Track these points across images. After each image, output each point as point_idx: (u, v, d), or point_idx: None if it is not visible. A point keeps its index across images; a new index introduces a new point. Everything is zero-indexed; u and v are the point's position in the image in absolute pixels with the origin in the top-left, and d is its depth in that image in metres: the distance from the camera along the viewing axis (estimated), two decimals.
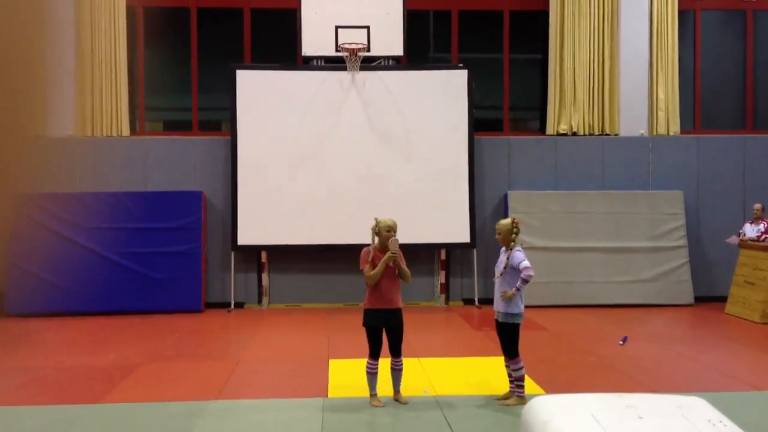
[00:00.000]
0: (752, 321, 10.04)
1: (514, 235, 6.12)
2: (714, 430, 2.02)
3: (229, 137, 11.49)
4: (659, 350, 8.24)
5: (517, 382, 6.08)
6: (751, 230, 10.83)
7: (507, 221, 6.21)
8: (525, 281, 5.95)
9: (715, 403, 5.91)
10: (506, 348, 6.10)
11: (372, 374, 6.09)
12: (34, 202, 11.01)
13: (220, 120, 12.55)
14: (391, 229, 6.13)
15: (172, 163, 11.57)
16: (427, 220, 11.39)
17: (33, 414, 5.82)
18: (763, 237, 10.61)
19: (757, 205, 10.92)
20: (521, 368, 6.05)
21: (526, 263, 5.98)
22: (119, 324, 10.11)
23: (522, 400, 5.99)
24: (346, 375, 7.13)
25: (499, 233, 6.19)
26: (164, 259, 10.99)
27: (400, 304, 6.19)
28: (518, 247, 6.13)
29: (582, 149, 12.03)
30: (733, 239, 10.92)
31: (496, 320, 6.18)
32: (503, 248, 6.21)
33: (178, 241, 11.09)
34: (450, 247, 11.67)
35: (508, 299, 6.00)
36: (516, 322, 6.07)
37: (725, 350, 8.44)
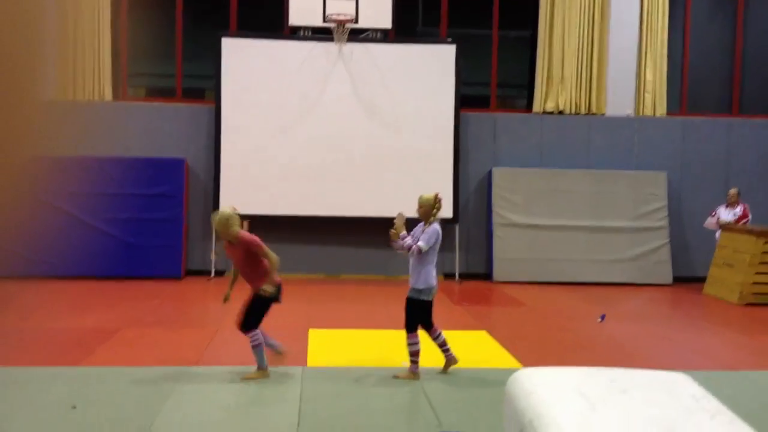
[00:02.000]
0: (730, 302, 10.16)
1: (435, 210, 6.07)
2: (698, 405, 2.04)
3: (213, 105, 11.37)
4: (637, 329, 8.32)
5: (411, 357, 6.04)
6: (726, 214, 10.95)
7: (430, 196, 6.14)
8: (407, 248, 5.91)
9: (697, 382, 5.99)
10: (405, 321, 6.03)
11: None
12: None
13: (204, 88, 12.42)
14: (420, 205, 6.09)
15: (154, 129, 11.45)
16: (411, 195, 11.32)
17: (10, 374, 5.78)
18: (743, 221, 10.72)
19: (732, 191, 11.05)
20: (414, 344, 5.99)
21: (425, 239, 5.92)
22: (99, 289, 10.06)
23: (413, 375, 5.97)
24: (326, 344, 7.14)
25: (421, 207, 6.11)
26: (145, 225, 10.92)
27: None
28: (436, 222, 6.09)
29: (568, 128, 12.04)
30: (710, 223, 11.04)
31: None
32: (422, 222, 6.15)
33: (160, 208, 11.01)
34: None
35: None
36: (419, 298, 6.02)
37: (702, 330, 8.54)
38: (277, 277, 5.98)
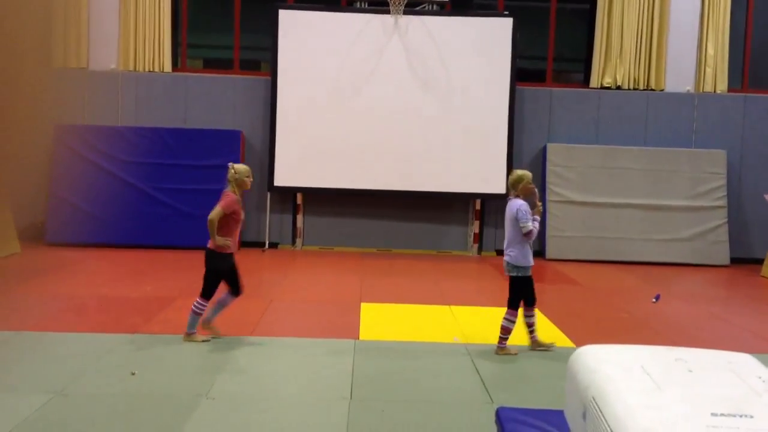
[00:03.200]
0: None
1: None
2: (764, 386, 2.01)
3: (269, 77, 11.46)
4: (693, 310, 8.20)
5: (505, 334, 6.06)
6: None
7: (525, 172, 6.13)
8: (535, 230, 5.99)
9: None
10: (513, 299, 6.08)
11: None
12: (74, 133, 11.15)
13: (260, 60, 12.49)
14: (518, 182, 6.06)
15: (211, 101, 11.60)
16: (464, 170, 11.34)
17: (71, 340, 5.98)
18: None
19: None
20: (513, 322, 6.03)
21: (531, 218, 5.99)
22: (155, 257, 10.29)
23: (501, 350, 6.04)
24: (378, 318, 7.20)
25: (518, 183, 6.07)
26: (201, 196, 11.08)
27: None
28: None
29: (625, 104, 11.81)
30: None
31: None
32: (512, 200, 6.11)
33: (216, 179, 11.13)
34: (485, 198, 11.62)
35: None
36: (526, 275, 6.04)
37: (761, 313, 8.36)
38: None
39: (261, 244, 11.55)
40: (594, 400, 2.02)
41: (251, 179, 6.26)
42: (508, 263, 6.09)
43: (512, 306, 6.06)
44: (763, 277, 10.57)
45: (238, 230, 6.25)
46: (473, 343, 6.39)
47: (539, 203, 6.18)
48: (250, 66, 12.42)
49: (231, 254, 6.19)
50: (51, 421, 4.28)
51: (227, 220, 6.04)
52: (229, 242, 6.07)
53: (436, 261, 11.06)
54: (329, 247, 11.67)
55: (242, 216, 6.19)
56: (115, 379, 5.05)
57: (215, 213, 5.94)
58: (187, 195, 11.10)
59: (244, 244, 11.49)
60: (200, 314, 6.14)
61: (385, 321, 7.12)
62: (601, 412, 1.93)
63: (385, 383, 5.24)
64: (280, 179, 11.34)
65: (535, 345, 6.21)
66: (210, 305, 6.19)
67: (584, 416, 2.08)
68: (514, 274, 6.04)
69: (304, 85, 11.30)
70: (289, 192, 11.55)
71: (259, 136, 11.62)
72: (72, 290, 7.96)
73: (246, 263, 10.33)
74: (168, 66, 11.61)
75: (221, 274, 6.16)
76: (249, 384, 5.12)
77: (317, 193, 11.54)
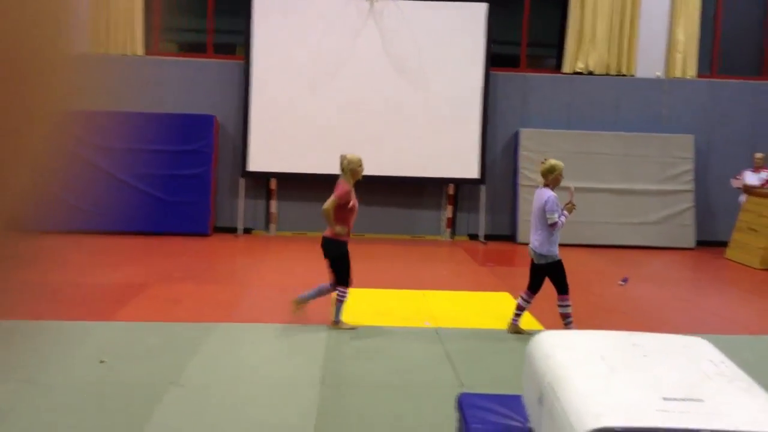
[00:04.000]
0: (752, 267, 10.12)
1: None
2: (717, 370, 2.08)
3: (243, 62, 11.40)
4: (659, 292, 8.34)
5: (568, 318, 6.14)
6: (752, 177, 10.86)
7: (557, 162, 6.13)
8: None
9: (717, 346, 6.01)
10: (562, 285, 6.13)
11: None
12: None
13: (235, 44, 12.41)
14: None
15: (185, 85, 11.51)
16: (437, 154, 11.39)
17: (47, 328, 5.95)
18: None
19: (759, 155, 10.96)
20: (569, 305, 6.13)
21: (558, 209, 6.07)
22: (128, 244, 10.24)
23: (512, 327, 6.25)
24: (351, 303, 7.23)
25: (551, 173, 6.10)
26: (174, 181, 11.05)
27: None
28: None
29: (597, 89, 11.92)
30: (735, 182, 10.99)
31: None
32: (542, 190, 6.16)
33: (189, 165, 11.13)
34: (459, 182, 11.69)
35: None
36: (556, 259, 6.14)
37: (724, 294, 8.54)
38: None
39: (234, 230, 11.54)
40: (550, 385, 2.08)
41: (363, 169, 6.31)
42: (535, 252, 6.15)
43: (533, 289, 6.18)
44: (727, 259, 10.76)
45: (353, 219, 6.28)
46: (444, 327, 6.46)
47: (574, 203, 6.23)
48: (225, 50, 12.33)
49: (346, 242, 6.26)
50: (20, 411, 4.28)
51: (342, 209, 6.11)
52: (345, 230, 6.16)
53: (410, 246, 11.12)
54: (303, 233, 11.68)
55: (356, 205, 6.23)
56: (84, 368, 5.05)
57: (330, 203, 6.05)
58: (159, 180, 11.04)
59: (217, 229, 11.47)
60: (344, 301, 6.27)
61: (357, 306, 7.15)
62: (556, 398, 1.99)
63: (356, 368, 5.29)
64: (254, 164, 11.32)
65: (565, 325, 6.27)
66: (312, 288, 6.40)
67: (540, 402, 2.14)
68: (541, 262, 6.10)
69: (279, 69, 11.26)
70: (263, 177, 11.53)
71: (232, 121, 11.57)
72: (42, 277, 7.89)
73: (219, 249, 10.36)
74: (140, 49, 11.50)
75: (346, 257, 6.24)
76: (220, 371, 5.14)
77: (291, 179, 11.53)
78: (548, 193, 6.01)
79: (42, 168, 0.79)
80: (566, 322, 6.12)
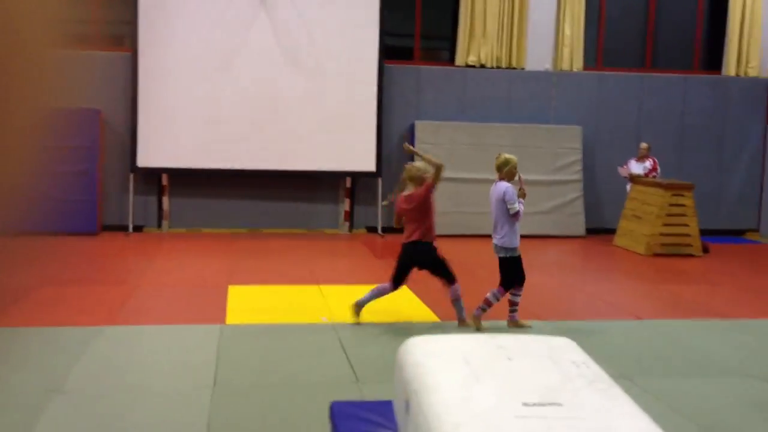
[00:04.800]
0: (638, 253, 10.57)
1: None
2: (578, 371, 2.15)
3: (130, 53, 11.01)
4: (551, 281, 8.59)
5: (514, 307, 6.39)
6: (636, 167, 11.34)
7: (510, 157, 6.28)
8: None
9: (602, 332, 6.25)
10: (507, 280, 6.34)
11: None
12: None
13: (123, 35, 11.97)
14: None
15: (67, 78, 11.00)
16: (333, 148, 11.35)
17: None
18: (652, 174, 11.11)
19: (644, 144, 11.43)
20: (519, 295, 6.40)
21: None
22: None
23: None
24: (245, 301, 7.15)
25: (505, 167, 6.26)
26: (58, 179, 10.57)
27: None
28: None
29: (489, 82, 12.15)
30: (621, 171, 11.44)
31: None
32: (498, 183, 6.32)
33: (73, 161, 10.66)
34: (355, 176, 11.70)
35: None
36: (515, 255, 6.34)
37: (612, 281, 8.90)
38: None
39: (124, 228, 11.16)
40: (416, 393, 2.09)
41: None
42: (498, 246, 6.23)
43: (505, 286, 6.20)
44: (615, 246, 11.21)
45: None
46: (341, 322, 6.46)
47: (525, 187, 6.46)
48: (112, 42, 11.87)
49: (434, 245, 6.33)
50: None
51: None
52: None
53: (308, 240, 11.06)
54: (197, 229, 11.42)
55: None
56: None
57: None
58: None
59: (105, 228, 11.07)
60: (460, 298, 6.28)
61: (252, 304, 7.08)
62: (419, 406, 2.01)
63: (250, 368, 5.23)
64: (144, 160, 10.98)
65: (513, 324, 6.36)
66: (371, 291, 6.32)
67: (407, 410, 2.16)
68: (504, 255, 6.17)
69: (168, 61, 10.94)
70: (154, 173, 11.20)
71: (120, 115, 11.16)
72: None
73: (108, 248, 10.01)
74: None
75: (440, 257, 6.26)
76: (106, 376, 4.98)
77: (183, 174, 11.25)
78: (504, 185, 6.20)
79: None
80: (513, 309, 6.43)
